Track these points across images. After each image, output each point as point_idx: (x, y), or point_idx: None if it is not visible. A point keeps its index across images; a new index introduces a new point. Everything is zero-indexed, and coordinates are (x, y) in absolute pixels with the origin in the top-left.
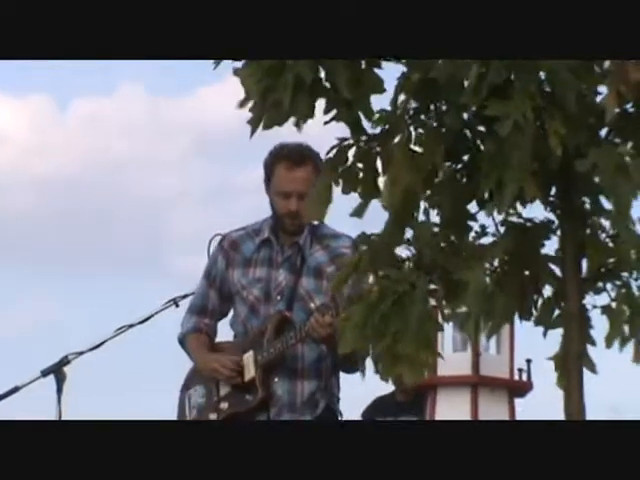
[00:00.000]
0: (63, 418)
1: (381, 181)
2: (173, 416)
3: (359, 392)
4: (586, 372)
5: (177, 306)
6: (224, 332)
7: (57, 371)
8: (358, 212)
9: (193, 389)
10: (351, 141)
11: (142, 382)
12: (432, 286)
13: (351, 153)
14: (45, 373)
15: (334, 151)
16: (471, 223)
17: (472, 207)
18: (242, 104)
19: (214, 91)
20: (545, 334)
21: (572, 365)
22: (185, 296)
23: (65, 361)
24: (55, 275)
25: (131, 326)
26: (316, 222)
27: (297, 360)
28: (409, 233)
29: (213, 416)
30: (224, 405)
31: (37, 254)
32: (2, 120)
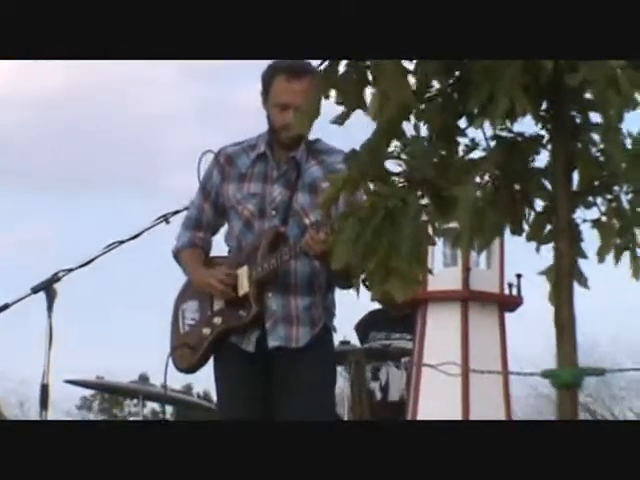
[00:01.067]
0: (54, 335)
1: (369, 94)
2: (165, 331)
3: (353, 306)
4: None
5: (168, 222)
6: (218, 248)
7: (47, 288)
8: (340, 120)
9: (186, 303)
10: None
11: (132, 298)
12: (423, 201)
13: (342, 66)
14: (35, 290)
15: (326, 63)
16: (461, 138)
17: (462, 123)
18: None
19: None
20: (538, 249)
21: (563, 279)
22: (176, 212)
23: (55, 278)
24: (46, 193)
25: (121, 242)
26: (311, 138)
27: (290, 276)
28: (398, 147)
29: (207, 331)
30: (217, 320)
31: (28, 174)
32: None
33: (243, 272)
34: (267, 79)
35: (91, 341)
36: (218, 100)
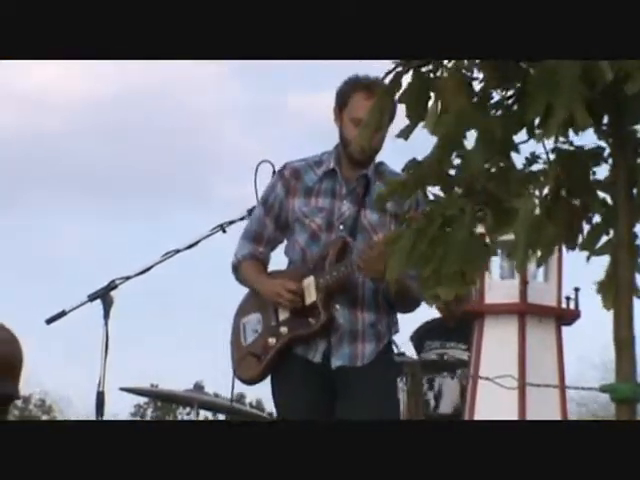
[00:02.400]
0: (110, 342)
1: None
2: (221, 340)
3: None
4: None
5: (224, 232)
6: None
7: (104, 296)
8: (404, 133)
9: (248, 317)
10: (403, 67)
11: (188, 306)
12: (480, 213)
13: (406, 79)
14: (92, 297)
15: (390, 76)
16: (521, 150)
17: (522, 135)
18: None
19: None
20: (589, 259)
21: (622, 293)
22: (232, 222)
23: (112, 286)
24: (104, 200)
25: (178, 251)
26: (376, 161)
27: (357, 288)
28: (457, 160)
29: (272, 340)
30: (284, 329)
31: (86, 179)
32: None
33: (310, 282)
34: (344, 94)
35: (146, 349)
36: (271, 109)
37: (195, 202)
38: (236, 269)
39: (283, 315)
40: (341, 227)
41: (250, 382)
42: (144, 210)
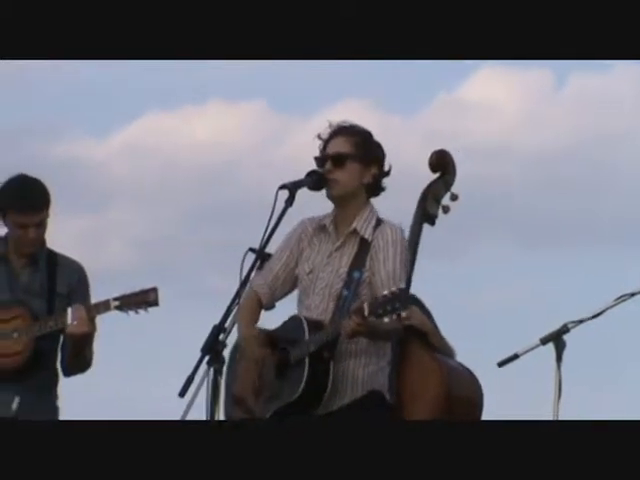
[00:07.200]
0: (562, 387)
1: None
2: None
3: None
4: None
5: None
6: None
7: (557, 339)
8: None
9: None
10: None
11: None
12: None
13: None
14: (544, 341)
15: None
16: None
17: None
18: None
19: None
20: None
21: None
22: None
23: (565, 329)
24: (547, 244)
25: (632, 295)
26: None
27: None
28: None
29: None
30: None
31: (525, 225)
32: (495, 92)
33: None
34: None
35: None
36: None
37: None
38: None
39: None
40: None
41: None
42: (598, 258)
